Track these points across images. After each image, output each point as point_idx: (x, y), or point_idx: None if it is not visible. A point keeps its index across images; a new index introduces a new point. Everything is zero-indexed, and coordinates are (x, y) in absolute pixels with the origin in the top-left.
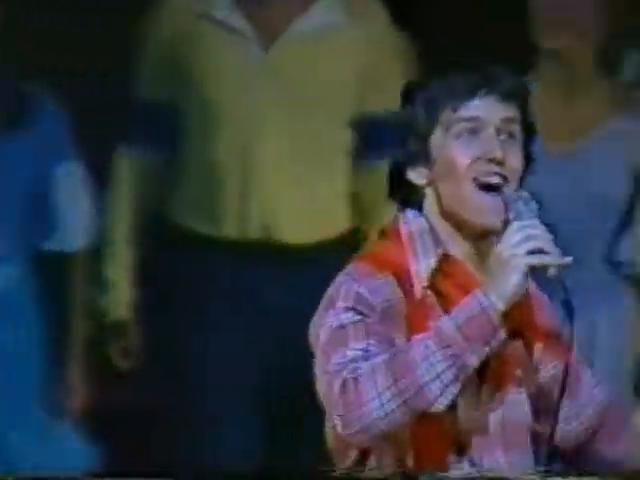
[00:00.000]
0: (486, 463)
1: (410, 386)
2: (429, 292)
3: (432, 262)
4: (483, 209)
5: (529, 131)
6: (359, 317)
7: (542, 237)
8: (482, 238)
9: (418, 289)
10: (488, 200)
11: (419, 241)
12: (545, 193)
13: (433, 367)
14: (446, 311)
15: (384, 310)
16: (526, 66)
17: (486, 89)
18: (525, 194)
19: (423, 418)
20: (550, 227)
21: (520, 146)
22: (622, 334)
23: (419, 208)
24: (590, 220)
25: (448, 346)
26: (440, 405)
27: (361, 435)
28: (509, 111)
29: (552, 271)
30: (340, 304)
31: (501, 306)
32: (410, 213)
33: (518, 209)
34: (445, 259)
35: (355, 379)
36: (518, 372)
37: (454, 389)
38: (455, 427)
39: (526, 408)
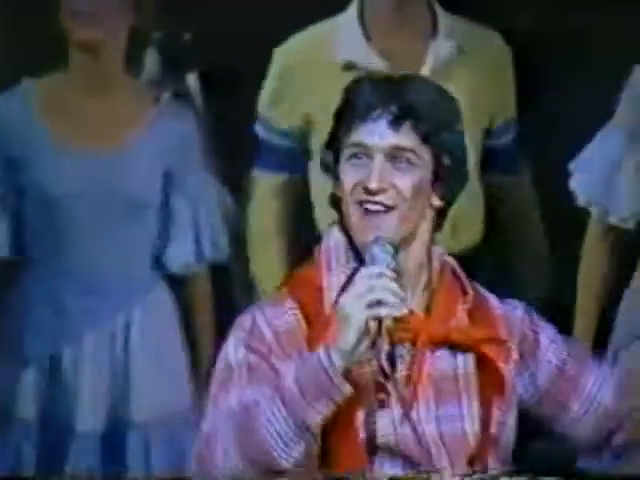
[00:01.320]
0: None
1: (255, 447)
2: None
3: (342, 276)
4: (364, 230)
5: (442, 146)
6: (246, 356)
7: (384, 287)
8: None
9: (329, 305)
10: (367, 222)
11: (334, 255)
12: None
13: (275, 428)
14: None
15: (279, 338)
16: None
17: (377, 111)
18: (384, 239)
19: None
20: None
21: (422, 168)
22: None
23: None
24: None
25: (288, 405)
26: (286, 464)
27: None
28: (399, 138)
29: (388, 322)
30: (235, 334)
31: (340, 364)
32: (333, 228)
33: (372, 253)
34: (358, 272)
35: (209, 437)
36: (452, 387)
37: (298, 447)
38: (375, 444)
39: (465, 424)
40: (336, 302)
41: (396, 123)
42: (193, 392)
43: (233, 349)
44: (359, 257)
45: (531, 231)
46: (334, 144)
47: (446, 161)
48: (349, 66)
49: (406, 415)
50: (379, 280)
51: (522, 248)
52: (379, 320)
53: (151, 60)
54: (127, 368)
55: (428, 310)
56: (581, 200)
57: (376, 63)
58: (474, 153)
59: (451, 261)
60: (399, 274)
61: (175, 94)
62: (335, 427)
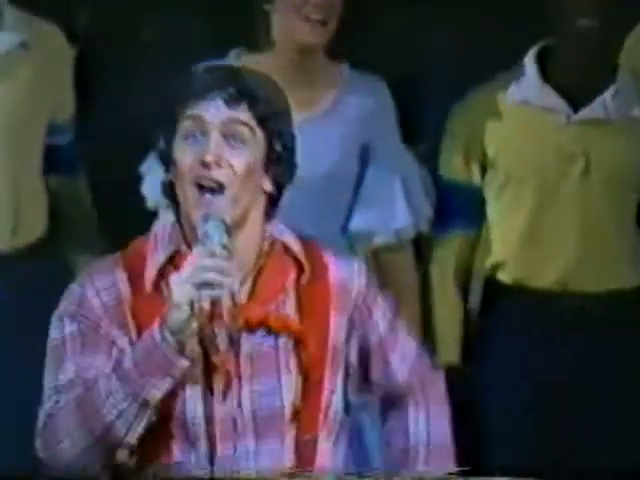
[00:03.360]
0: (237, 455)
1: (97, 425)
2: (163, 286)
3: (161, 258)
4: (197, 208)
5: (275, 131)
6: (77, 326)
7: (215, 267)
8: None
9: (148, 282)
10: (200, 201)
11: (160, 236)
12: None
13: (116, 405)
14: None
15: (107, 309)
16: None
17: (214, 91)
18: (215, 215)
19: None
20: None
21: (254, 149)
22: None
23: None
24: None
25: (127, 383)
26: (129, 440)
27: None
28: (235, 113)
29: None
30: (65, 305)
31: (173, 341)
32: (168, 209)
33: (205, 230)
34: (178, 254)
35: (51, 415)
36: (271, 364)
37: (140, 423)
38: (184, 421)
39: (283, 397)
40: (156, 281)
41: (233, 102)
42: None
43: (64, 321)
44: (185, 239)
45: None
46: (166, 130)
47: (278, 146)
48: None
49: (222, 395)
50: (211, 259)
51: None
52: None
53: None
54: None
55: (252, 292)
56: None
57: None
58: (36, 150)
59: (286, 239)
60: (231, 253)
61: None
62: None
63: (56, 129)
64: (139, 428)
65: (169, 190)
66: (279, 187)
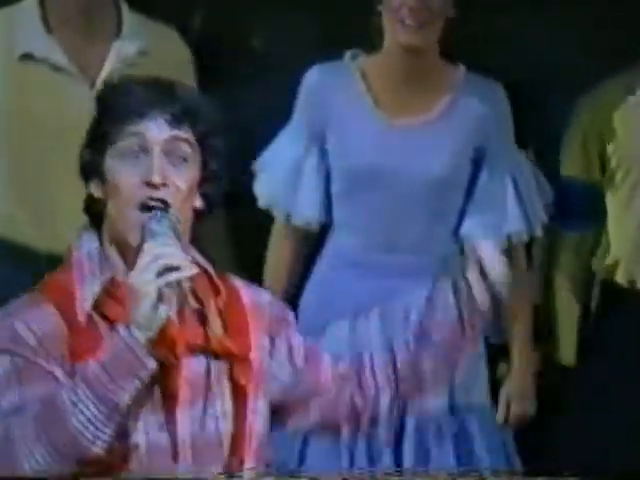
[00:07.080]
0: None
1: (61, 436)
2: (96, 317)
3: (96, 288)
4: (138, 231)
5: (211, 150)
6: (12, 360)
7: (170, 253)
8: None
9: (82, 315)
10: (141, 223)
11: (87, 265)
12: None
13: (83, 413)
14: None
15: (42, 342)
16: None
17: (156, 110)
18: (158, 212)
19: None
20: None
21: (194, 166)
22: None
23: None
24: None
25: (95, 387)
26: (98, 448)
27: None
28: (178, 132)
29: (185, 285)
30: None
31: (142, 337)
32: (85, 234)
33: (150, 229)
34: (112, 283)
35: (7, 438)
36: (206, 388)
37: (109, 429)
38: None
39: (219, 424)
40: (95, 312)
41: (176, 121)
42: None
43: None
44: (111, 267)
45: None
46: (96, 144)
47: (213, 165)
48: (27, 57)
49: (166, 419)
50: (163, 248)
51: None
52: (177, 284)
53: None
54: None
55: (181, 316)
56: (262, 202)
57: (57, 57)
58: None
59: (201, 260)
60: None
61: None
62: None
63: None
64: (107, 436)
65: (91, 209)
66: (208, 205)
